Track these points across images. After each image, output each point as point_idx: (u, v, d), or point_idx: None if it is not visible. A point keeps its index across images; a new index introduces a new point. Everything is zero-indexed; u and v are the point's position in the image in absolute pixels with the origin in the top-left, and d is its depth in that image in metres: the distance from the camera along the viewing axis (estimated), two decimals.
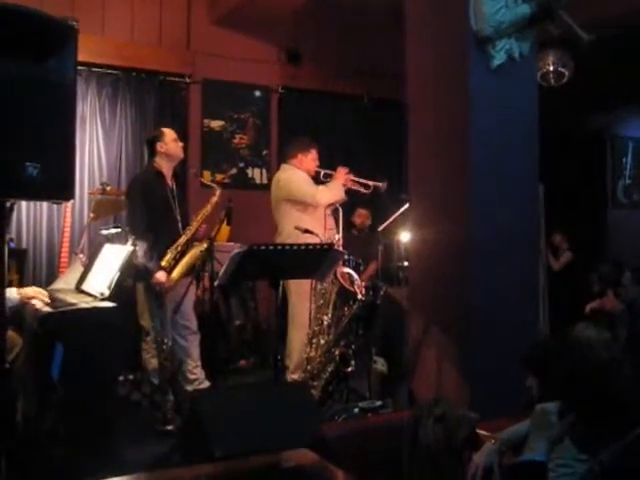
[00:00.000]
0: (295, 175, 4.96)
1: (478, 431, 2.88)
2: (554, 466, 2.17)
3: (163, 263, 4.33)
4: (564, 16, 3.52)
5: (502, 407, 3.01)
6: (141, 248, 4.36)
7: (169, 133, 4.66)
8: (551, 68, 6.25)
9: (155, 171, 4.61)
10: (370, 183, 5.13)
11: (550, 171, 4.38)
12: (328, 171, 5.10)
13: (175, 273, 4.36)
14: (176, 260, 4.37)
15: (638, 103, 8.34)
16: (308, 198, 4.86)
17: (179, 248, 4.39)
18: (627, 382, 1.93)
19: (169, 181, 4.60)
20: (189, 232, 4.43)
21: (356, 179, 5.06)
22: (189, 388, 4.52)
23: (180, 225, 4.50)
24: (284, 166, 5.11)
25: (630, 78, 6.44)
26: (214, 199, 4.52)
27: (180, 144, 4.70)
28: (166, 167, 4.60)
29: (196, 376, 4.59)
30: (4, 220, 2.30)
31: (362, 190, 5.13)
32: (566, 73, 6.29)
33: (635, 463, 1.81)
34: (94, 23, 6.15)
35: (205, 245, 4.25)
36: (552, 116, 4.24)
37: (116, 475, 2.49)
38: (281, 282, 3.99)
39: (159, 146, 4.59)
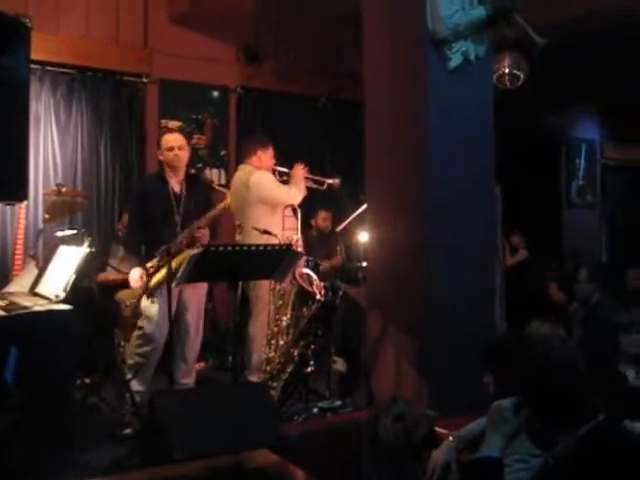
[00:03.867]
0: (265, 176, 4.92)
1: (436, 429, 2.92)
2: (510, 461, 2.20)
3: (148, 265, 4.27)
4: (519, 19, 3.59)
5: (460, 405, 3.05)
6: (118, 252, 4.31)
7: (165, 141, 4.53)
8: (507, 70, 6.34)
9: (157, 174, 4.61)
10: (324, 180, 5.17)
11: (506, 172, 4.45)
12: (283, 169, 5.11)
13: (156, 277, 4.28)
14: (162, 264, 4.25)
15: (591, 105, 8.54)
16: (282, 198, 4.86)
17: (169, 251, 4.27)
18: (580, 378, 1.97)
19: (175, 186, 4.50)
20: (182, 237, 4.31)
21: (311, 176, 5.10)
22: None
23: (179, 229, 4.38)
24: (243, 166, 5.07)
25: (584, 80, 6.57)
26: (222, 205, 4.46)
27: (177, 153, 4.49)
28: (170, 173, 4.52)
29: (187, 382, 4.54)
30: None
31: (317, 187, 5.16)
32: (521, 76, 6.39)
33: (586, 457, 1.85)
34: (48, 21, 6.04)
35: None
36: (508, 118, 4.31)
37: (73, 479, 2.46)
38: (240, 283, 3.97)
39: (158, 154, 4.58)
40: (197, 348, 4.64)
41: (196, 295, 4.51)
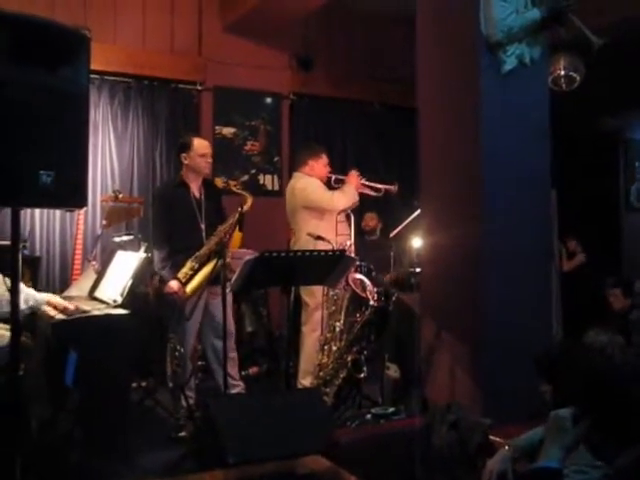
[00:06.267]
0: (309, 182, 4.99)
1: (491, 437, 2.88)
2: (569, 472, 2.15)
3: (179, 275, 4.31)
4: (575, 20, 3.52)
5: (515, 413, 3.00)
6: (156, 257, 4.37)
7: (198, 147, 4.52)
8: (562, 72, 6.22)
9: (178, 181, 4.60)
10: (381, 186, 5.16)
11: (563, 175, 4.37)
12: (339, 176, 5.15)
13: (191, 284, 4.33)
14: (195, 271, 4.34)
15: None
16: (325, 203, 4.90)
17: (199, 259, 4.33)
18: None
19: (195, 192, 4.53)
20: (211, 242, 4.35)
21: (367, 183, 5.10)
22: None
23: (204, 235, 4.42)
24: (296, 174, 5.16)
25: None
26: (245, 207, 4.38)
27: (209, 160, 4.55)
28: (192, 178, 4.53)
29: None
30: (19, 228, 2.31)
31: (373, 194, 5.15)
32: (577, 77, 6.26)
33: None
34: (106, 31, 6.19)
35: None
36: (564, 120, 4.23)
37: None
38: (293, 288, 3.99)
39: (183, 157, 4.54)
40: (233, 347, 4.63)
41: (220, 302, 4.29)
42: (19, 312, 2.39)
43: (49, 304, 3.65)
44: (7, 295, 3.43)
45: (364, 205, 5.81)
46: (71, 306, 3.69)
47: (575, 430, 1.97)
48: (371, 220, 6.81)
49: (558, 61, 6.14)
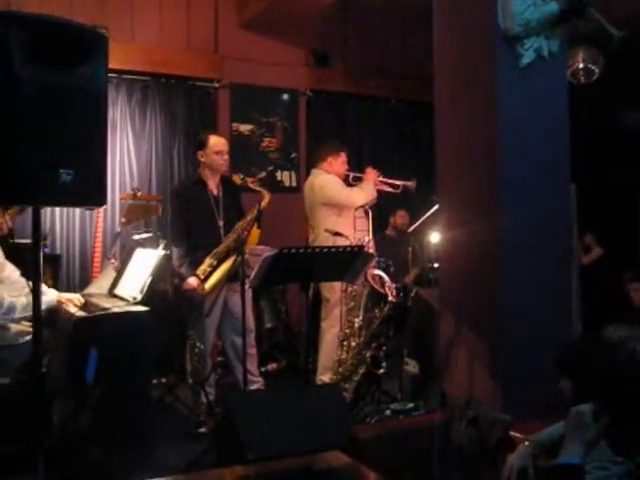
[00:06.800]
0: (328, 179, 5.00)
1: (511, 433, 2.87)
2: (590, 468, 2.14)
3: (198, 272, 4.33)
4: (594, 13, 3.48)
5: (534, 409, 2.99)
6: (175, 254, 4.40)
7: (214, 144, 4.54)
8: (581, 65, 6.18)
9: (196, 179, 4.63)
10: (399, 182, 5.16)
11: (583, 169, 4.33)
12: (357, 174, 5.17)
13: (210, 281, 4.36)
14: (213, 267, 4.36)
15: None
16: (343, 200, 4.92)
17: (217, 256, 4.35)
18: None
19: (213, 189, 4.55)
20: (229, 239, 4.38)
21: (385, 179, 5.10)
22: None
23: (222, 232, 4.44)
24: (315, 171, 5.18)
25: None
26: (262, 204, 4.36)
27: (225, 157, 4.57)
28: (209, 175, 4.55)
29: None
30: (40, 226, 2.34)
31: (391, 190, 5.15)
32: (596, 70, 6.21)
33: None
34: (123, 30, 6.22)
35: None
36: (585, 113, 4.19)
37: (150, 477, 2.52)
38: (312, 285, 3.99)
39: (200, 154, 4.57)
40: (253, 343, 4.66)
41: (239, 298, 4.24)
42: (40, 310, 2.41)
43: (60, 302, 3.68)
44: (23, 300, 3.47)
45: (393, 201, 5.82)
46: (76, 300, 3.72)
47: (596, 426, 1.95)
48: (401, 217, 6.81)
49: (577, 54, 6.10)
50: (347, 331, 4.49)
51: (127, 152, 6.37)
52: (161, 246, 4.59)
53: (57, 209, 5.90)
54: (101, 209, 5.21)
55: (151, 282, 3.94)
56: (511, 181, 3.47)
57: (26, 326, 3.55)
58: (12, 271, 3.69)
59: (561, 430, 2.36)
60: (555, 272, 3.59)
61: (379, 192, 5.04)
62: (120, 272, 4.28)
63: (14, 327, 3.54)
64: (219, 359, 5.26)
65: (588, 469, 2.11)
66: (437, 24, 3.89)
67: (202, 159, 4.55)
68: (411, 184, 5.17)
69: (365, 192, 4.94)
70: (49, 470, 2.37)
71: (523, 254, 3.47)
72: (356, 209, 4.90)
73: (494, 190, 3.50)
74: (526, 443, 2.56)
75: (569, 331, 3.68)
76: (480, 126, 3.59)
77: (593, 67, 6.20)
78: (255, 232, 5.37)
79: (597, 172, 7.15)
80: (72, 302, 3.68)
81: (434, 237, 5.02)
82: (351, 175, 5.17)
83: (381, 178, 5.07)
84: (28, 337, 3.48)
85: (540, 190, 3.53)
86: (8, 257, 3.77)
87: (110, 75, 5.88)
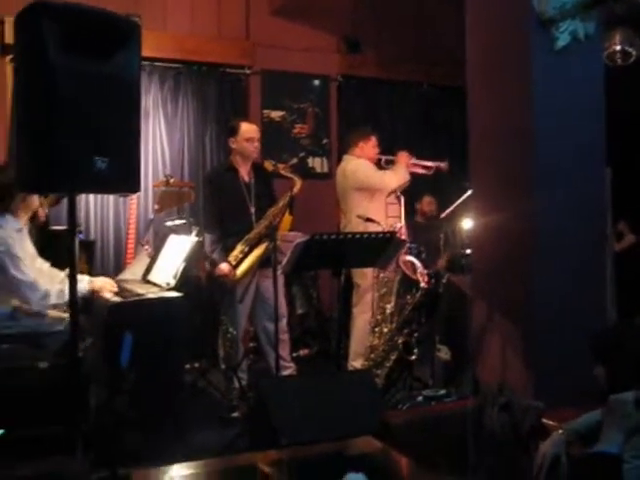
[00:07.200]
0: (360, 164, 4.99)
1: (544, 420, 2.85)
2: (628, 457, 2.12)
3: (230, 258, 4.36)
4: None
5: (568, 396, 2.97)
6: (207, 240, 4.44)
7: (245, 131, 4.57)
8: (618, 48, 6.05)
9: (228, 166, 4.66)
10: (431, 164, 5.15)
11: (619, 154, 4.26)
12: (389, 157, 5.14)
13: (242, 267, 4.38)
14: (245, 254, 4.39)
15: None
16: (377, 183, 4.90)
17: (249, 242, 4.38)
18: None
19: (245, 175, 4.58)
20: (261, 225, 4.41)
21: (417, 161, 5.08)
22: None
23: (254, 219, 4.47)
24: (346, 157, 5.17)
25: None
26: (294, 190, 4.40)
27: (256, 144, 4.60)
28: (240, 162, 4.58)
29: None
30: (75, 212, 2.37)
31: (424, 172, 5.13)
32: (633, 52, 6.09)
33: None
34: (156, 18, 6.25)
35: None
36: (622, 97, 4.11)
37: (184, 460, 2.55)
38: (343, 271, 3.99)
39: (231, 141, 4.60)
40: (285, 329, 4.68)
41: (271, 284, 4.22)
42: (76, 294, 2.45)
43: (94, 292, 3.73)
44: (57, 286, 3.53)
45: (421, 188, 5.78)
46: (109, 285, 3.76)
47: (638, 414, 1.93)
48: (428, 204, 6.75)
49: (613, 36, 5.97)
50: (379, 317, 4.49)
51: (160, 139, 6.41)
52: (194, 232, 4.62)
53: (91, 196, 5.97)
54: (134, 196, 5.27)
55: (184, 268, 3.98)
56: (546, 165, 3.44)
57: (62, 312, 3.61)
58: (42, 263, 3.75)
59: (598, 418, 2.34)
60: (589, 258, 3.55)
61: (411, 176, 5.02)
62: (154, 258, 4.33)
63: (51, 314, 3.60)
64: (251, 345, 5.29)
65: (626, 458, 2.09)
66: (470, 8, 3.85)
67: (233, 146, 4.58)
68: (444, 165, 5.15)
69: (398, 175, 4.92)
70: (86, 452, 2.41)
71: (557, 239, 3.44)
72: (388, 195, 4.88)
73: (528, 175, 3.47)
74: (560, 431, 2.54)
75: (603, 318, 3.64)
76: (514, 110, 3.55)
77: (630, 49, 6.08)
78: (287, 218, 5.37)
79: (633, 156, 7.02)
80: (105, 288, 3.73)
81: (466, 223, 4.99)
82: (383, 159, 5.15)
83: (413, 160, 5.05)
84: (65, 323, 3.54)
85: (575, 174, 3.49)
86: (44, 244, 3.83)
87: (143, 63, 5.90)
